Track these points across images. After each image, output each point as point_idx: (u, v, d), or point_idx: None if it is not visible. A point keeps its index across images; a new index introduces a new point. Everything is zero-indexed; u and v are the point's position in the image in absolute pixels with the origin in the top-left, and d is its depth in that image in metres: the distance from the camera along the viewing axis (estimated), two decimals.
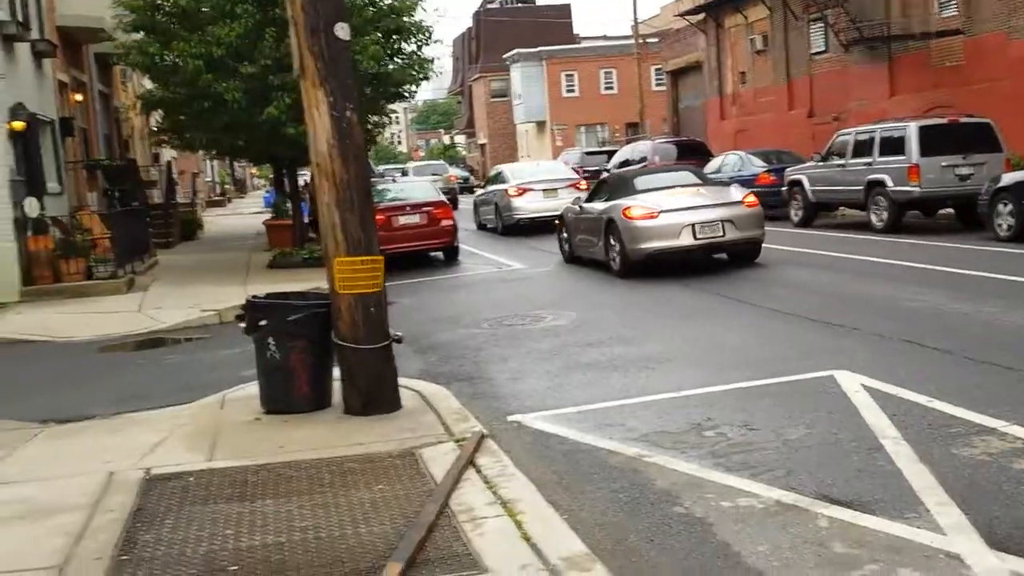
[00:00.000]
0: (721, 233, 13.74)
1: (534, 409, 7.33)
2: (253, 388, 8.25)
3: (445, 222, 18.30)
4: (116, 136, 26.51)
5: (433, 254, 18.95)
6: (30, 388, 9.88)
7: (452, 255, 18.68)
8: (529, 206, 22.31)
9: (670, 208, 13.85)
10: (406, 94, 19.44)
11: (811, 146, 25.00)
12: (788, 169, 20.89)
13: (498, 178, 24.75)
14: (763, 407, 6.82)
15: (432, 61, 18.80)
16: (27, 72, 17.36)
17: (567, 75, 59.70)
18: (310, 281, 15.48)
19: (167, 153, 35.08)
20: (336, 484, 5.57)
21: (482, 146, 71.32)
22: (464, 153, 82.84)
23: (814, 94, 29.84)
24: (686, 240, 13.66)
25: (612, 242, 14.35)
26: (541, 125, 61.01)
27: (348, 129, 6.96)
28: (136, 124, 29.26)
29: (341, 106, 6.92)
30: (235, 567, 4.45)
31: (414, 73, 18.35)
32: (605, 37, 69.51)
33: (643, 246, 13.76)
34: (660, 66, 50.23)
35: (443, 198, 19.50)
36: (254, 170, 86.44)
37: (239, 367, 9.84)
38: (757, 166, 22.64)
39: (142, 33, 17.34)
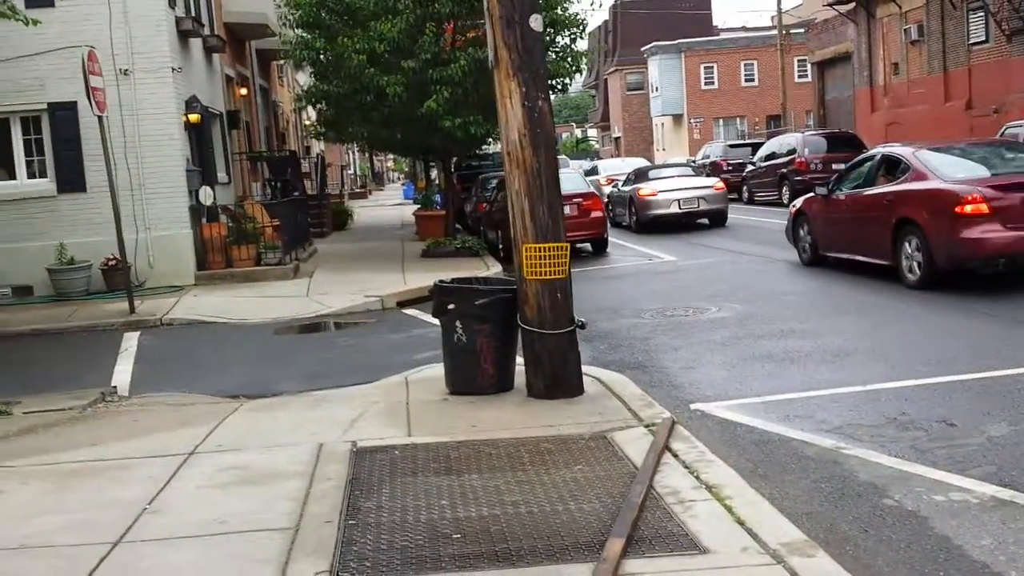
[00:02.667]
0: (697, 205, 21.62)
1: (715, 399, 7.35)
2: (432, 370, 8.57)
3: (595, 213, 18.36)
4: (274, 129, 27.58)
5: (580, 245, 19.00)
6: (214, 366, 10.44)
7: (601, 247, 18.73)
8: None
9: (665, 189, 21.94)
10: (559, 87, 19.57)
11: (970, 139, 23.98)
12: None
13: (594, 171, 31.77)
14: (960, 402, 6.67)
15: (585, 54, 18.88)
16: (200, 67, 18.25)
17: (706, 67, 58.88)
18: (466, 269, 15.83)
19: (316, 146, 36.31)
20: (536, 463, 5.73)
21: (616, 139, 71.07)
22: (597, 147, 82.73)
23: (972, 85, 28.60)
24: (674, 209, 21.53)
25: (632, 211, 22.43)
26: (678, 118, 60.38)
27: (539, 119, 7.12)
28: (291, 118, 30.34)
29: (533, 96, 7.07)
30: (457, 535, 4.64)
31: (567, 66, 18.46)
32: (745, 28, 68.26)
33: (648, 212, 21.73)
34: (804, 57, 49.05)
35: (592, 189, 19.60)
36: (390, 163, 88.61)
37: (410, 351, 10.20)
38: None
39: (305, 30, 18.02)
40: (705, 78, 59.23)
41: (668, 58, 59.61)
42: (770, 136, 39.23)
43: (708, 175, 28.51)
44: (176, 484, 5.66)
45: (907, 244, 11.45)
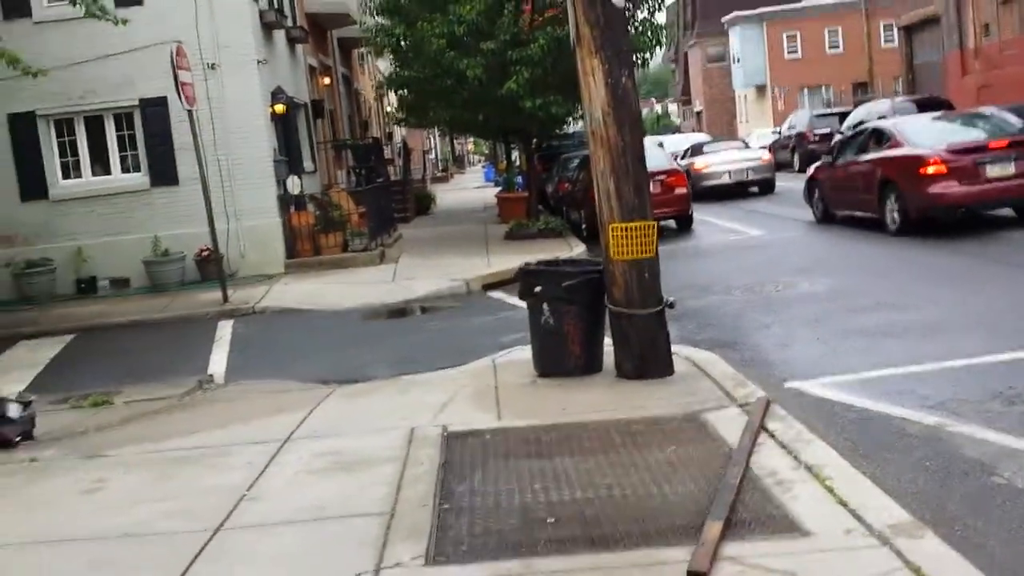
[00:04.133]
0: (746, 176, 24.22)
1: (810, 376, 7.17)
2: (520, 353, 8.55)
3: (679, 190, 18.11)
4: (357, 116, 27.86)
5: (664, 223, 18.73)
6: (306, 353, 10.59)
7: (686, 224, 18.49)
8: None
9: (717, 162, 24.65)
10: (639, 62, 19.30)
11: None
12: None
13: (659, 147, 34.63)
14: None
15: (665, 27, 18.60)
16: (283, 58, 18.50)
17: (789, 36, 57.46)
18: (550, 251, 15.78)
19: (398, 132, 36.59)
20: (628, 444, 5.66)
21: (698, 114, 70.01)
22: (678, 122, 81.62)
23: None
24: (725, 180, 24.11)
25: (688, 182, 21.38)
26: (761, 89, 59.13)
27: (623, 96, 7.01)
28: (373, 105, 30.61)
29: (617, 73, 6.96)
30: (552, 519, 4.61)
31: (648, 40, 18.21)
32: None
33: (702, 183, 23.82)
34: (891, 22, 47.54)
35: (676, 166, 19.37)
36: (470, 146, 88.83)
37: (497, 333, 10.21)
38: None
39: (385, 16, 18.12)
40: (788, 47, 57.85)
41: (749, 28, 58.36)
42: (857, 104, 38.13)
43: (793, 147, 31.03)
44: (273, 470, 5.75)
45: (888, 199, 13.84)
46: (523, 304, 12.15)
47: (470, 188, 43.54)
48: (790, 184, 24.60)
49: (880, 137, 14.74)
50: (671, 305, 7.32)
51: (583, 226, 18.49)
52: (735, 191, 23.99)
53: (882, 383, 6.76)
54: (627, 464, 5.33)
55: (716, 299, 10.82)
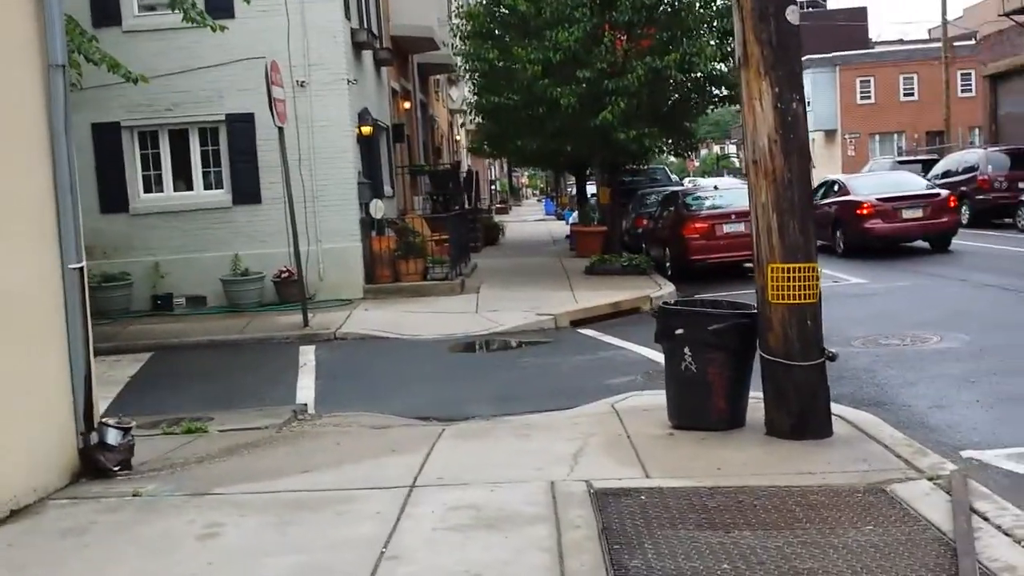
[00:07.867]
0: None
1: (988, 446, 6.40)
2: (639, 398, 7.97)
3: None
4: (431, 143, 27.46)
5: (748, 264, 17.97)
6: (396, 384, 10.02)
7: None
8: None
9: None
10: (735, 95, 18.66)
11: None
12: None
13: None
14: None
15: None
16: (370, 79, 18.09)
17: (862, 81, 56.46)
18: (637, 288, 15.26)
19: (464, 161, 36.22)
20: (813, 520, 4.93)
21: None
22: (739, 164, 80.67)
23: None
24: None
25: None
26: (831, 134, 58.12)
27: (793, 123, 6.34)
28: (445, 132, 30.22)
29: (787, 97, 6.31)
30: None
31: None
32: (902, 41, 65.47)
33: None
34: (969, 71, 46.56)
35: None
36: (524, 179, 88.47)
37: (600, 374, 9.61)
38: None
39: (477, 41, 17.65)
40: (861, 92, 56.83)
41: (821, 72, 57.45)
42: (935, 152, 37.11)
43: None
44: (407, 524, 5.09)
45: (837, 232, 19.12)
46: (619, 343, 11.58)
47: (531, 220, 43.05)
48: None
49: (834, 187, 20.49)
50: (832, 357, 6.59)
51: (667, 264, 17.85)
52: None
53: None
54: (822, 544, 4.60)
55: (838, 351, 10.00)
